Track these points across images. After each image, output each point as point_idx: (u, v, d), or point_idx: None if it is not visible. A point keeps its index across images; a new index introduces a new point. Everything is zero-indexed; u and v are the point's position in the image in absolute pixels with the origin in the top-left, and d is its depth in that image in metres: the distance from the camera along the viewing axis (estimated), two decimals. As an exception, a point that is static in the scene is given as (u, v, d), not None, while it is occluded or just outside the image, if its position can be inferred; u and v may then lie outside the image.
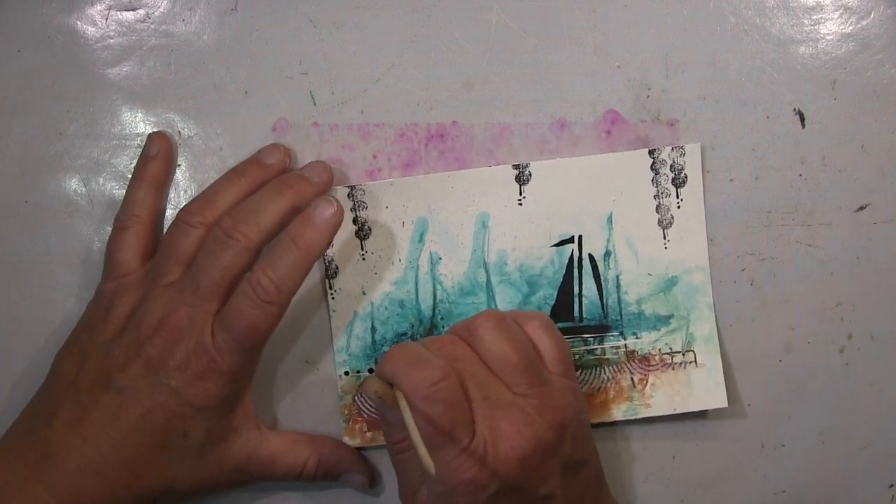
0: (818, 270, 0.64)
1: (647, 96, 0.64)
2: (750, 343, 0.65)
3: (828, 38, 0.64)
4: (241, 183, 0.62)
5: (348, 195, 0.64)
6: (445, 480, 0.56)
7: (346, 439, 0.65)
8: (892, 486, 0.65)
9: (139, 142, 0.65)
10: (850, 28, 0.64)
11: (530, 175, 0.64)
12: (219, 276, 0.59)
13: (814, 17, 0.64)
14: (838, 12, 0.64)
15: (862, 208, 0.64)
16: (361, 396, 0.64)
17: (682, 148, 0.64)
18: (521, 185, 0.64)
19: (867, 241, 0.64)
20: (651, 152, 0.64)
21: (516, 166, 0.64)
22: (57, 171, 0.65)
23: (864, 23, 0.64)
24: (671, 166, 0.64)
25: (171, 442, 0.59)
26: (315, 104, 0.65)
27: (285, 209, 0.60)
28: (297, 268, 0.59)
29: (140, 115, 0.65)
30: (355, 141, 0.65)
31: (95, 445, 0.58)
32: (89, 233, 0.65)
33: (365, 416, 0.64)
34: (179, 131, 0.65)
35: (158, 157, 0.64)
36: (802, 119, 0.64)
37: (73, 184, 0.65)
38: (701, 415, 0.65)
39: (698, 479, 0.65)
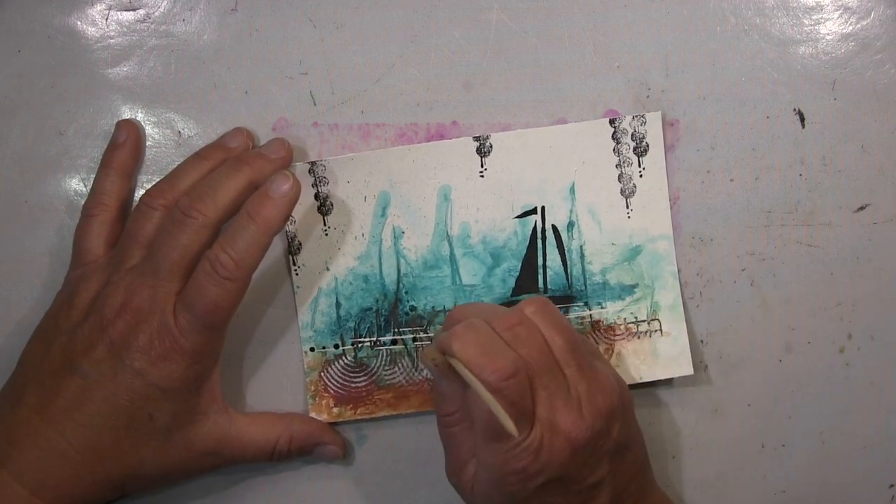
0: (818, 270, 0.64)
1: (647, 96, 0.64)
2: (750, 343, 0.65)
3: (828, 38, 0.64)
4: (204, 166, 0.62)
5: (309, 171, 0.64)
6: (498, 468, 0.56)
7: (313, 415, 0.64)
8: (892, 486, 0.65)
9: (139, 142, 0.65)
10: (850, 28, 0.64)
11: (491, 147, 0.64)
12: (178, 255, 0.59)
13: (814, 17, 0.64)
14: (838, 12, 0.64)
15: (862, 208, 0.64)
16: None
17: (642, 117, 0.63)
18: (482, 157, 0.64)
19: (867, 241, 0.64)
20: (612, 122, 0.63)
21: (477, 138, 0.64)
22: (57, 171, 0.65)
23: (864, 23, 0.64)
24: (632, 135, 0.63)
25: (137, 425, 0.59)
26: (315, 104, 0.65)
27: (242, 186, 0.60)
28: (255, 243, 0.59)
29: (140, 115, 0.65)
30: (355, 141, 0.65)
31: (60, 430, 0.58)
32: (89, 233, 0.65)
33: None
34: (179, 131, 0.65)
35: (126, 144, 0.64)
36: (802, 119, 0.64)
37: (73, 184, 0.65)
38: (702, 415, 0.65)
39: (698, 479, 0.65)
